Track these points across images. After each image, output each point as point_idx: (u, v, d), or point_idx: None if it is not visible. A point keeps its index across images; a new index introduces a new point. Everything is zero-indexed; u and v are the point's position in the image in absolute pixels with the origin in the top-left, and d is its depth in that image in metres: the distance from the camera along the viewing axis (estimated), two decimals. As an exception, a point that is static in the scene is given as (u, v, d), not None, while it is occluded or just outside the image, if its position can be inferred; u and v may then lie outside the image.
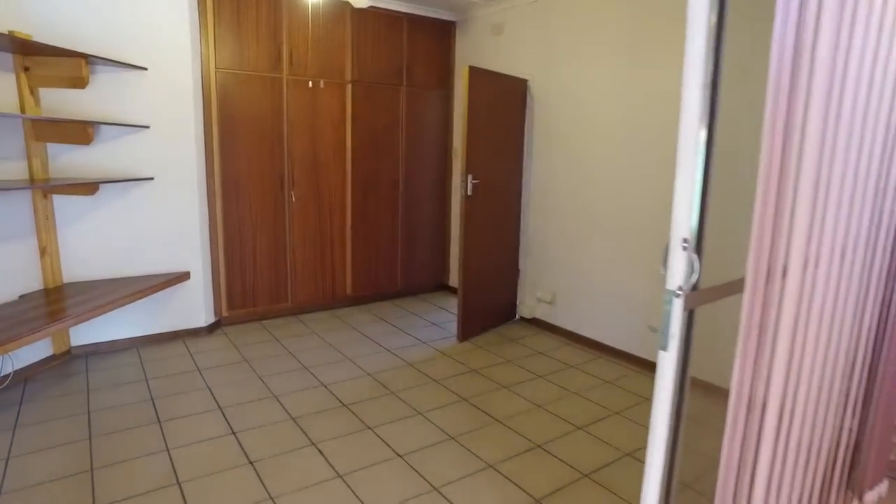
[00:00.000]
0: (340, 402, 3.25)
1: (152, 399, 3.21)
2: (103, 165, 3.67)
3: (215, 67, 4.05)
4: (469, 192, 4.07)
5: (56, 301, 3.34)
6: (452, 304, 5.27)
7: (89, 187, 3.42)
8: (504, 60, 4.75)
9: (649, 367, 3.80)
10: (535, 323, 4.72)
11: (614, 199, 3.96)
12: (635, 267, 3.86)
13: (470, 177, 4.06)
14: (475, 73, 4.00)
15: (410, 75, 5.03)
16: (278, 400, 3.24)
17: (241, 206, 4.32)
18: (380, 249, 5.11)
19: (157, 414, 3.03)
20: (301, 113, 4.46)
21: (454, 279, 5.62)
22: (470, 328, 4.36)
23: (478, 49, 5.06)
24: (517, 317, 4.89)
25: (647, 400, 3.40)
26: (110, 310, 3.32)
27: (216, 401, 3.20)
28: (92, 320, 3.53)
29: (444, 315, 4.95)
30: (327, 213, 4.73)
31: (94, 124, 3.43)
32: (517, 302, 4.88)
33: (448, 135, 5.39)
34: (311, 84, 4.47)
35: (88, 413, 3.02)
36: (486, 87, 4.11)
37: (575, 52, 4.15)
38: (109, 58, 3.46)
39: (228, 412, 3.07)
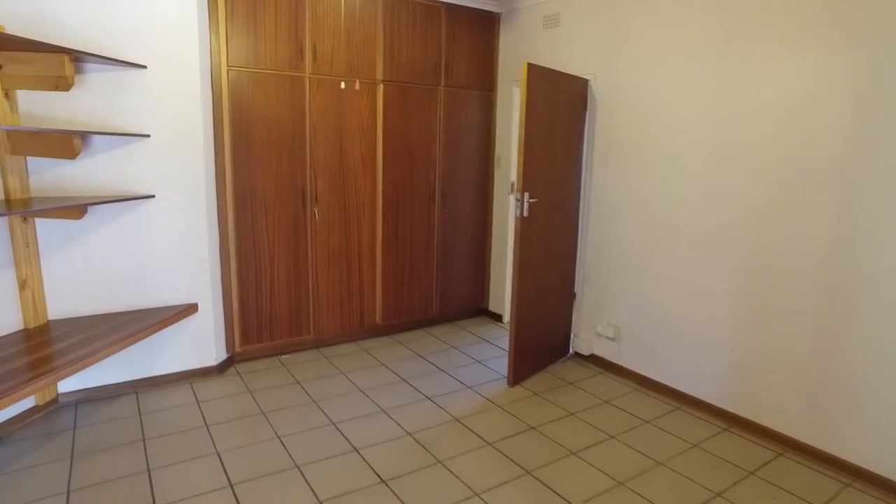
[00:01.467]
0: (378, 476, 2.64)
1: (149, 471, 2.62)
2: (95, 182, 3.09)
3: (227, 65, 3.45)
4: (525, 213, 3.43)
5: (39, 346, 2.77)
6: (495, 333, 4.64)
7: (76, 210, 2.83)
8: (558, 58, 4.10)
9: (741, 424, 3.14)
10: (594, 361, 4.08)
11: (698, 221, 3.30)
12: (724, 300, 3.20)
13: (527, 195, 3.42)
14: (534, 71, 3.35)
15: (449, 74, 4.40)
16: (301, 472, 2.64)
17: (257, 225, 3.73)
18: (414, 272, 4.49)
19: (152, 493, 2.44)
20: (326, 116, 3.85)
21: (495, 304, 4.99)
22: (522, 370, 3.73)
23: (526, 44, 4.41)
24: (571, 352, 4.25)
25: (750, 474, 2.75)
26: (105, 356, 2.75)
27: (226, 473, 2.61)
28: (80, 368, 2.95)
29: (488, 349, 4.32)
30: (355, 232, 4.12)
31: (82, 134, 2.85)
32: (571, 335, 4.24)
33: (489, 141, 4.76)
34: (343, 85, 3.86)
35: (68, 493, 2.43)
36: (544, 88, 3.47)
37: (650, 47, 3.49)
38: (100, 54, 2.87)
39: (241, 491, 2.47)
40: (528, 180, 3.42)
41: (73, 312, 3.15)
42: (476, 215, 4.79)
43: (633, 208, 3.67)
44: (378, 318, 4.39)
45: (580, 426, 3.18)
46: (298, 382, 3.61)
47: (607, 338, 3.96)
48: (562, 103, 3.66)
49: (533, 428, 3.14)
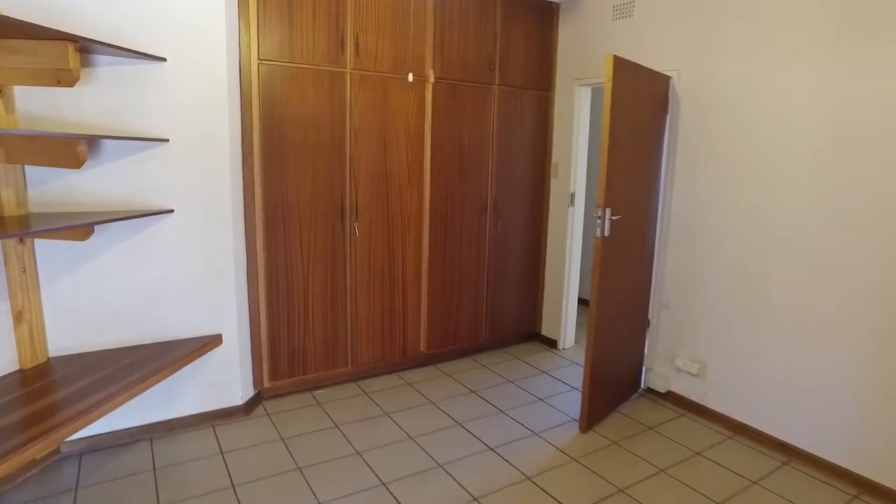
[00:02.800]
0: (446, 562, 2.12)
1: (165, 552, 2.12)
2: (104, 195, 2.62)
3: (258, 58, 2.98)
4: (606, 232, 2.90)
5: (39, 393, 2.31)
6: (551, 362, 4.11)
7: (82, 230, 2.36)
8: (631, 53, 3.57)
9: (875, 491, 2.58)
10: (671, 400, 3.53)
11: (815, 239, 2.76)
12: (852, 334, 2.65)
13: (608, 211, 2.89)
14: (620, 65, 2.84)
15: (504, 71, 3.89)
16: (352, 556, 2.13)
17: (290, 244, 3.24)
18: (463, 294, 3.98)
19: (170, 590, 1.94)
20: (369, 118, 3.36)
21: (548, 327, 4.45)
22: (595, 412, 3.20)
23: (591, 38, 3.89)
24: (642, 387, 3.71)
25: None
26: (116, 406, 2.26)
27: (260, 558, 2.10)
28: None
29: (548, 383, 3.79)
30: (399, 250, 3.62)
31: (88, 138, 2.37)
32: (643, 368, 3.70)
33: (545, 147, 4.24)
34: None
35: (67, 587, 1.94)
36: (629, 86, 2.95)
37: (753, 36, 2.95)
38: (111, 43, 2.40)
39: (280, 588, 1.96)
40: (611, 194, 2.90)
41: (78, 347, 2.68)
42: (530, 229, 4.27)
43: (728, 224, 3.13)
44: (422, 347, 3.87)
45: (676, 488, 2.64)
46: (337, 426, 3.11)
47: (689, 374, 3.41)
48: (643, 104, 3.14)
49: (621, 490, 2.61)
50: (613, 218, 2.93)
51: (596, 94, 4.27)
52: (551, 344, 4.43)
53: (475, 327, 4.11)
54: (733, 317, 3.15)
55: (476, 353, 4.21)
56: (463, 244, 3.90)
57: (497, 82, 3.86)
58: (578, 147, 4.08)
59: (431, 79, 3.55)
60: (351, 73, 3.26)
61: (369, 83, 3.33)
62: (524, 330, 4.44)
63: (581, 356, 4.25)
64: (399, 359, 3.79)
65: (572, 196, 4.12)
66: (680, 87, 3.34)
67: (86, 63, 2.47)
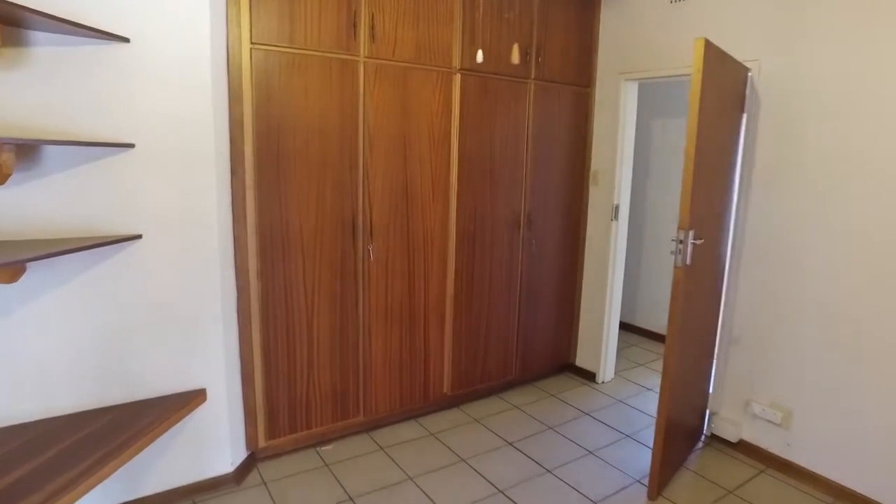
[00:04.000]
0: None
1: None
2: (47, 218, 1.99)
3: (250, 42, 2.36)
4: (688, 261, 2.33)
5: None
6: (591, 400, 3.53)
7: (7, 271, 1.73)
8: (689, 41, 3.00)
9: None
10: (745, 451, 2.97)
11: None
12: None
13: (691, 234, 2.31)
14: (711, 51, 2.26)
15: (540, 63, 3.30)
16: None
17: (291, 273, 2.62)
18: (492, 325, 3.39)
19: None
20: (386, 117, 2.75)
21: (585, 358, 3.88)
22: (664, 472, 2.62)
23: (641, 25, 3.32)
24: (706, 434, 3.15)
25: None
26: (71, 502, 1.64)
27: None
28: None
29: (593, 428, 3.22)
30: (420, 276, 3.02)
31: (18, 144, 1.74)
32: (707, 411, 3.14)
33: (585, 152, 3.65)
34: (406, 71, 2.77)
35: None
36: (714, 79, 2.37)
37: (850, 18, 2.39)
38: (55, 15, 1.77)
39: None
40: (695, 213, 2.32)
41: (14, 418, 2.04)
42: (566, 247, 3.69)
43: (819, 250, 2.57)
44: (446, 388, 3.28)
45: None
46: (352, 499, 2.50)
47: (769, 422, 2.86)
48: (725, 102, 2.57)
49: (721, 592, 2.03)
50: (696, 242, 2.35)
51: (643, 90, 3.70)
52: (588, 377, 3.85)
53: (505, 362, 3.52)
54: (827, 360, 2.60)
55: (505, 390, 3.62)
56: (493, 266, 3.31)
57: (533, 76, 3.28)
58: (624, 152, 3.50)
59: (460, 70, 2.95)
60: (365, 61, 2.65)
61: (387, 74, 2.72)
62: (558, 360, 3.86)
63: (625, 391, 3.69)
64: (420, 402, 3.19)
65: (616, 209, 3.55)
66: (759, 82, 2.77)
67: (14, 41, 1.84)
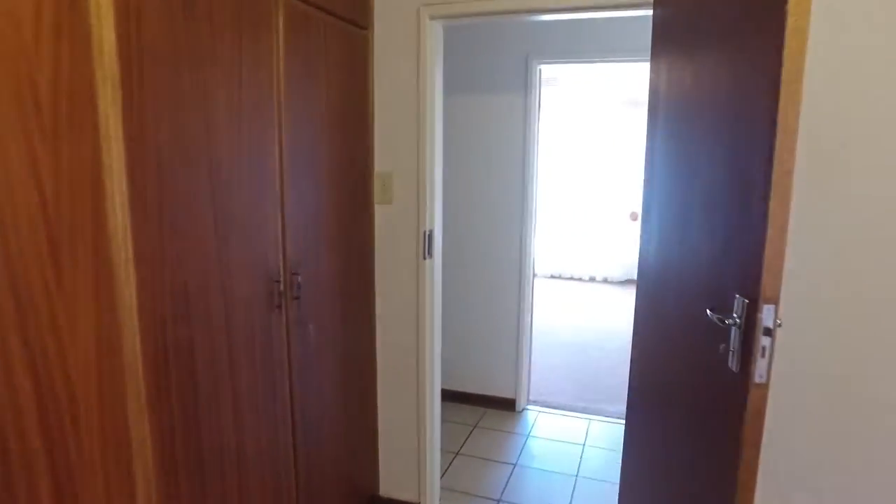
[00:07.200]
0: None
1: None
2: None
3: None
4: (763, 377, 1.05)
5: None
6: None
7: None
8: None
9: None
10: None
11: None
12: None
13: (773, 311, 1.04)
14: None
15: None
16: None
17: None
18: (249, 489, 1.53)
19: None
20: None
21: (392, 484, 2.35)
22: None
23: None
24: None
25: None
26: None
27: None
28: None
29: None
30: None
31: None
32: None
33: (366, 143, 2.05)
34: None
35: None
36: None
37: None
38: None
39: None
40: (779, 270, 1.05)
41: None
42: (358, 317, 2.06)
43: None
44: None
45: None
46: None
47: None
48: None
49: None
50: (776, 326, 1.09)
51: (453, 35, 2.28)
52: (407, 513, 2.34)
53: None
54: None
55: None
56: (238, 397, 1.46)
57: (277, -14, 1.53)
58: (432, 140, 2.08)
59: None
60: None
61: None
62: (358, 495, 2.22)
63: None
64: None
65: (427, 237, 2.11)
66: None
67: None
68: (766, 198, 0.99)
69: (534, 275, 3.30)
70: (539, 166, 3.19)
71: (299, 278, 1.67)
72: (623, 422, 3.13)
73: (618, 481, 2.54)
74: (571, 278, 6.83)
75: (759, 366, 1.05)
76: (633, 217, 6.45)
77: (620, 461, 2.57)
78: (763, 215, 1.00)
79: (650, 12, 1.90)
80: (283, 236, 1.60)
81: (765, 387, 1.06)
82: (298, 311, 1.69)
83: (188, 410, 1.26)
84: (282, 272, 1.60)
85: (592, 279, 6.76)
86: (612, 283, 6.65)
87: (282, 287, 1.59)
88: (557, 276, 6.88)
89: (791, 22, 0.93)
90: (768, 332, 1.04)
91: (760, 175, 1.01)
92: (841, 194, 1.47)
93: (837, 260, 1.50)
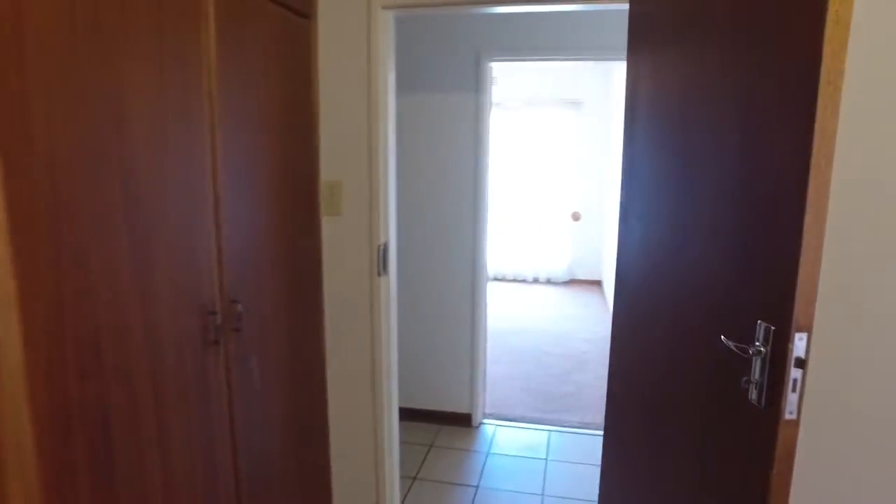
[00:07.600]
0: None
1: None
2: None
3: None
4: (795, 415, 0.93)
5: None
6: None
7: None
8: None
9: None
10: None
11: None
12: None
13: (805, 339, 0.92)
14: None
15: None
16: None
17: None
18: None
19: None
20: None
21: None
22: None
23: None
24: None
25: None
26: None
27: None
28: None
29: None
30: None
31: None
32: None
33: (309, 147, 1.81)
34: None
35: None
36: None
37: None
38: None
39: None
40: (813, 294, 0.92)
41: None
42: (299, 349, 1.82)
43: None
44: None
45: None
46: None
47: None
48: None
49: None
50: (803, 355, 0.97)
51: (398, 29, 2.06)
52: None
53: None
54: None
55: None
56: (169, 457, 1.20)
57: (201, -37, 1.28)
58: (386, 144, 1.87)
59: None
60: None
61: None
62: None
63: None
64: None
65: (382, 252, 1.90)
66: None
67: None
68: (799, 212, 0.86)
69: (487, 280, 3.16)
70: (491, 168, 3.04)
71: (239, 307, 1.42)
72: (586, 431, 3.06)
73: (585, 498, 2.44)
74: (515, 280, 6.76)
75: (790, 401, 0.93)
76: (575, 217, 6.46)
77: (590, 477, 2.46)
78: (795, 232, 0.87)
79: (608, 6, 1.79)
80: (218, 258, 1.35)
81: (795, 424, 0.94)
82: (238, 344, 1.44)
83: (102, 489, 1.00)
84: (218, 301, 1.35)
85: (536, 280, 6.72)
86: (555, 283, 6.63)
87: (219, 319, 1.34)
88: (501, 277, 6.79)
89: (832, 12, 0.80)
90: (801, 363, 0.91)
91: (792, 186, 0.88)
92: (881, 205, 1.20)
93: (874, 276, 1.21)
